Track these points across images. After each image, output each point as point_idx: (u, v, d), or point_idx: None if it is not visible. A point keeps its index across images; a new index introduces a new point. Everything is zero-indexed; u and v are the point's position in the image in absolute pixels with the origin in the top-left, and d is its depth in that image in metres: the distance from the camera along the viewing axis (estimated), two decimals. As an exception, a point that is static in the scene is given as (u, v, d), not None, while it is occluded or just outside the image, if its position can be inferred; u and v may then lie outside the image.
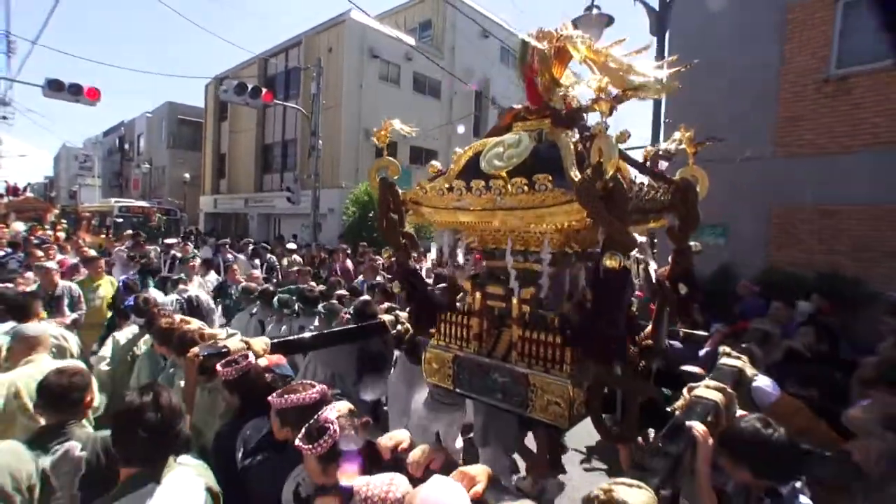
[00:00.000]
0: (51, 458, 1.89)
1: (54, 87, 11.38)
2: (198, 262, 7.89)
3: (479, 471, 1.44)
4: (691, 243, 2.22)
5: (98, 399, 2.71)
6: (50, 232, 13.73)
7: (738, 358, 2.23)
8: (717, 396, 1.79)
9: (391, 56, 20.34)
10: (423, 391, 3.33)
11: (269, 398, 1.93)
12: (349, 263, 9.41)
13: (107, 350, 3.74)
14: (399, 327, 3.11)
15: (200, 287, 6.74)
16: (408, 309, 3.01)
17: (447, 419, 3.25)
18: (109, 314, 5.32)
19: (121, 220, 17.92)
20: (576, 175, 1.93)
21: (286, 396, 1.90)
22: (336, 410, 1.77)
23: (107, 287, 6.03)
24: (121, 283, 5.44)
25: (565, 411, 1.98)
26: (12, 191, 23.49)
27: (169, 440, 1.64)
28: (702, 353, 2.61)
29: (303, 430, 1.72)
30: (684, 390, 1.87)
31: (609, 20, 6.34)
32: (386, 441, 1.70)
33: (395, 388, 3.43)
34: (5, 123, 20.08)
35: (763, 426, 1.66)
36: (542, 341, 2.10)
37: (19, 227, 13.75)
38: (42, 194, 35.83)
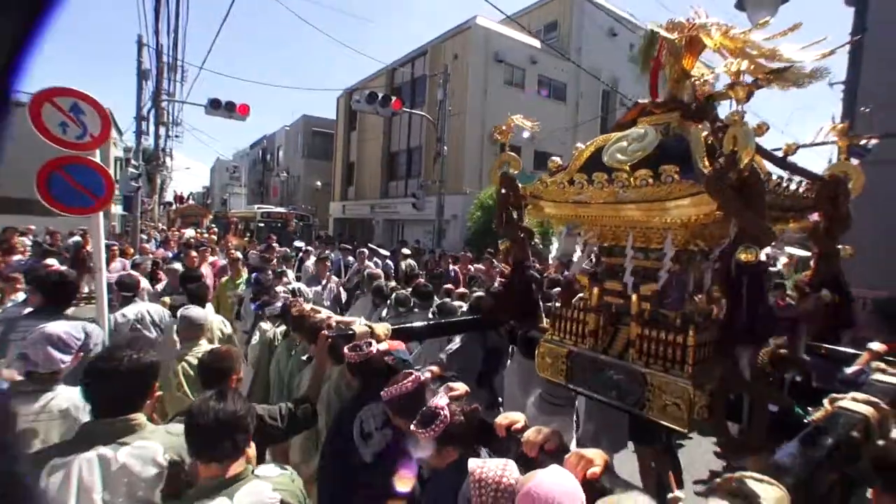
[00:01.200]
0: None
1: (214, 106, 13.47)
2: (328, 262, 8.83)
3: (596, 455, 1.48)
4: (840, 247, 2.07)
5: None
6: (206, 235, 16.04)
7: (896, 376, 2.00)
8: (867, 410, 1.64)
9: (515, 60, 20.65)
10: (535, 391, 3.42)
11: (382, 392, 2.10)
12: (472, 269, 9.86)
13: (255, 338, 4.47)
14: (513, 321, 3.23)
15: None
16: None
17: (559, 420, 3.30)
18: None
19: (262, 224, 20.26)
20: (705, 167, 1.92)
21: (388, 389, 2.07)
22: (446, 397, 1.92)
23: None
24: (253, 278, 6.18)
25: (685, 414, 1.94)
26: (179, 199, 27.95)
27: (229, 441, 1.68)
28: (848, 371, 2.31)
29: (418, 415, 1.88)
30: (825, 401, 1.75)
31: None
32: (501, 420, 1.82)
33: (510, 384, 3.55)
34: (176, 141, 24.07)
35: None
36: (662, 340, 2.08)
37: (189, 232, 16.40)
38: (201, 202, 41.59)
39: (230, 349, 2.73)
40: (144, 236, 14.30)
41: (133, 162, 13.61)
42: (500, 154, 2.81)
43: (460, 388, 2.04)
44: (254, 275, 6.37)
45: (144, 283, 6.39)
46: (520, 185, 2.71)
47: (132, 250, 10.22)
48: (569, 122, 21.36)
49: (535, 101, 21.02)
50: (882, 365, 2.12)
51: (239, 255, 8.71)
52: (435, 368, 2.36)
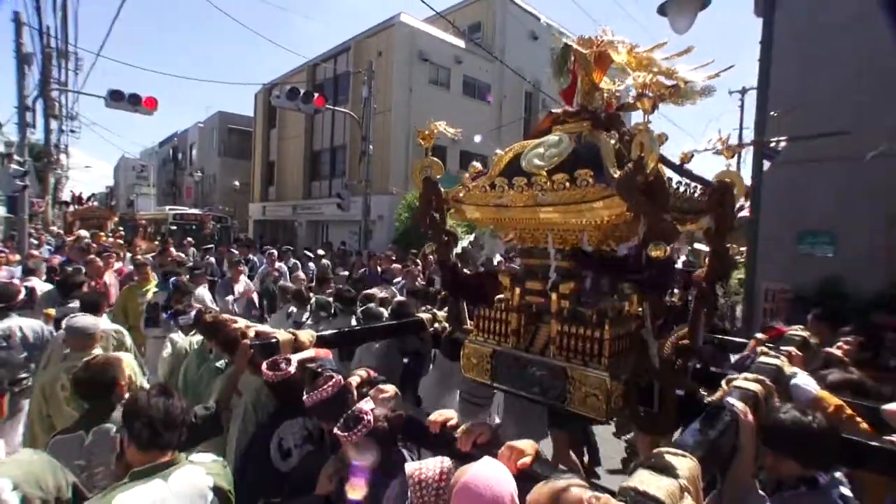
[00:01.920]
0: (90, 438, 2.19)
1: (115, 98, 12.13)
2: (241, 267, 8.57)
3: (527, 445, 1.58)
4: (729, 245, 2.33)
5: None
6: (111, 239, 14.85)
7: (777, 357, 2.32)
8: (755, 387, 1.90)
9: (441, 59, 20.85)
10: (455, 392, 3.53)
11: (304, 398, 2.13)
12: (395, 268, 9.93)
13: (166, 351, 4.17)
14: (436, 325, 3.31)
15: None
16: (446, 307, 3.22)
17: (480, 419, 3.42)
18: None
19: (175, 227, 19.15)
20: (615, 172, 2.07)
21: (310, 395, 2.10)
22: (372, 402, 1.98)
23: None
24: (171, 283, 5.91)
25: (603, 404, 2.09)
26: (77, 200, 25.66)
27: (175, 432, 1.80)
28: (736, 357, 2.75)
29: (341, 419, 1.92)
30: (723, 382, 1.98)
31: (704, 2, 6.15)
32: (436, 417, 1.88)
33: (428, 388, 3.62)
34: (73, 136, 22.03)
35: (802, 414, 1.76)
36: (580, 335, 2.22)
37: (83, 234, 14.99)
38: (104, 203, 38.60)
39: (108, 358, 2.58)
40: (34, 241, 13.09)
41: (16, 157, 11.85)
42: (422, 158, 2.88)
43: (389, 389, 2.08)
44: (171, 279, 6.09)
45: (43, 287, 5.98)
46: (442, 189, 2.79)
47: (17, 256, 9.32)
48: (493, 123, 21.85)
49: (460, 100, 21.35)
50: (765, 349, 2.44)
51: (147, 259, 8.23)
52: (363, 372, 2.38)
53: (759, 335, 3.00)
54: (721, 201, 2.17)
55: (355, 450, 1.90)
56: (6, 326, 4.04)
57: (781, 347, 2.69)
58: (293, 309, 5.79)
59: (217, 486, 1.80)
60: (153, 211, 27.22)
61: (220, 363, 3.26)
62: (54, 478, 1.77)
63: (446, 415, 1.89)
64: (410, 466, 1.63)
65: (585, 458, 4.37)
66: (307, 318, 5.45)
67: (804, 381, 2.28)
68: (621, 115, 2.50)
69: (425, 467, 1.60)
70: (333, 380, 2.11)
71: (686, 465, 1.34)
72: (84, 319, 3.47)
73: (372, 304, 4.57)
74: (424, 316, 3.45)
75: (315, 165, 25.01)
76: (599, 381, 2.12)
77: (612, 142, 2.31)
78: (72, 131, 22.51)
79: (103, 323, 4.18)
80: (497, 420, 3.68)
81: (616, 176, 2.01)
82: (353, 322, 4.76)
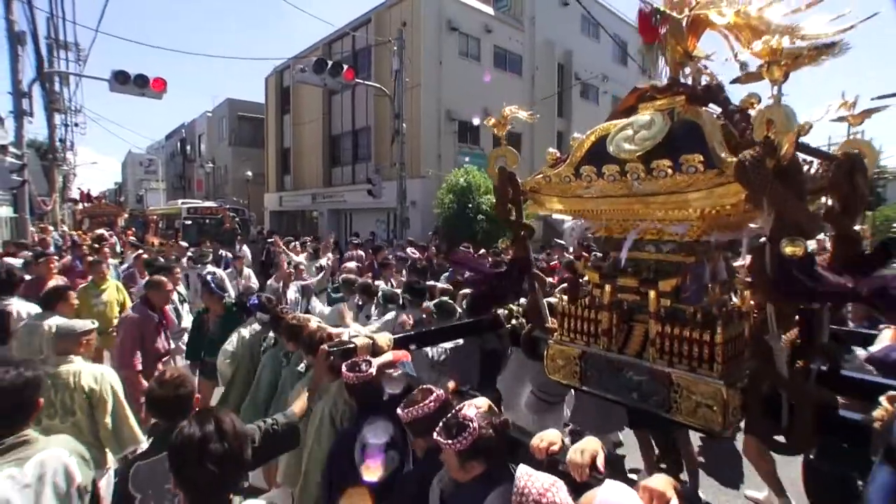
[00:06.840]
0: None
1: (121, 80, 12.16)
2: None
3: (663, 484, 1.44)
4: (858, 227, 2.21)
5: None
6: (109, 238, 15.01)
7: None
8: None
9: (469, 29, 20.58)
10: (526, 389, 3.54)
11: (398, 412, 2.13)
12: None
13: (230, 345, 4.29)
14: (513, 322, 3.31)
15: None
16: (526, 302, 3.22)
17: (552, 417, 3.43)
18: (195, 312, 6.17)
19: (189, 222, 19.30)
20: (725, 154, 1.97)
21: (409, 410, 2.09)
22: (475, 407, 1.93)
23: (112, 292, 6.34)
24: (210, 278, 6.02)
25: (718, 416, 2.01)
26: (86, 197, 26.53)
27: (238, 471, 1.72)
28: (874, 349, 2.57)
29: (440, 424, 1.89)
30: (882, 399, 1.81)
31: None
32: (538, 442, 1.85)
33: (507, 385, 3.64)
34: (79, 132, 22.59)
35: None
36: (686, 337, 2.15)
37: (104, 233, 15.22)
38: (113, 200, 39.78)
39: (180, 372, 2.52)
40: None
41: (13, 150, 11.25)
42: (494, 148, 2.87)
43: (483, 404, 2.07)
44: (209, 274, 6.40)
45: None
46: (519, 180, 2.78)
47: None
48: (525, 97, 21.57)
49: (491, 73, 21.15)
50: None
51: (105, 259, 7.95)
52: (451, 383, 2.41)
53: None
54: (849, 176, 2.04)
55: (458, 460, 1.83)
56: None
57: None
58: (358, 300, 6.08)
59: None
60: (164, 205, 27.79)
61: (301, 366, 3.41)
62: (84, 472, 2.02)
63: (550, 438, 1.86)
64: (522, 469, 1.64)
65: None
66: (374, 311, 5.68)
67: None
68: (723, 87, 2.40)
69: (535, 478, 1.60)
70: (435, 395, 2.10)
71: None
72: (68, 320, 3.52)
73: (446, 299, 4.60)
74: (501, 311, 3.45)
75: (335, 151, 25.12)
76: (713, 390, 2.04)
77: (716, 118, 2.24)
78: (76, 125, 23.12)
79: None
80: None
81: (730, 160, 1.92)
82: (423, 316, 4.84)
